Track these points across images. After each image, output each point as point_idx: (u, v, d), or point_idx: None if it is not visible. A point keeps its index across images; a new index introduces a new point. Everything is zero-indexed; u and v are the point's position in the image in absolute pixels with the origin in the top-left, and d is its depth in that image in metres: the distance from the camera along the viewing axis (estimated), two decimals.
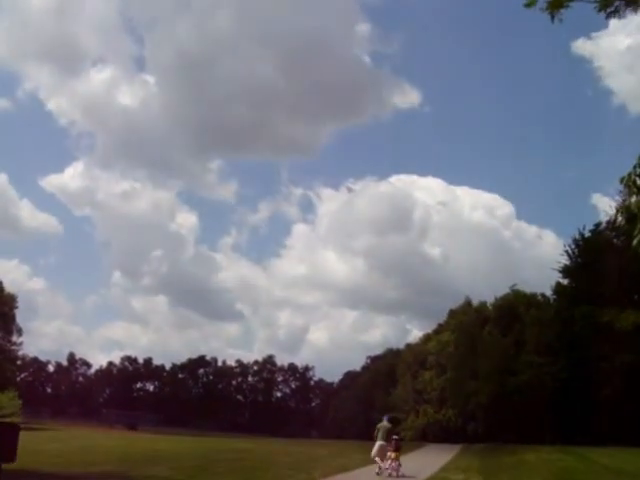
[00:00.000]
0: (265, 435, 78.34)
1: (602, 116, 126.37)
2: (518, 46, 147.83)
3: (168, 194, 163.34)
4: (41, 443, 26.30)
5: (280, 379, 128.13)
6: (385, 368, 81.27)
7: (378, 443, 20.28)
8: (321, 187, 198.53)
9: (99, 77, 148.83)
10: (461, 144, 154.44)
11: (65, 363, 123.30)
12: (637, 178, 7.36)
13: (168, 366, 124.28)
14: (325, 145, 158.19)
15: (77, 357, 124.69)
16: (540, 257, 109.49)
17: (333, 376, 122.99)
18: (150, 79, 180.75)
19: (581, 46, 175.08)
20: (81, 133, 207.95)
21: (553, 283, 50.05)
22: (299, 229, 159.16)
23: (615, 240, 41.49)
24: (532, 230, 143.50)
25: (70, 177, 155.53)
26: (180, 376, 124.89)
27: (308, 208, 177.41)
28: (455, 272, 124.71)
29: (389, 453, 20.10)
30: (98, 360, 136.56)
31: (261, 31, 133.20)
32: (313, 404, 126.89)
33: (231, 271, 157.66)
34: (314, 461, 23.81)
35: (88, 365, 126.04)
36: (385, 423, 21.11)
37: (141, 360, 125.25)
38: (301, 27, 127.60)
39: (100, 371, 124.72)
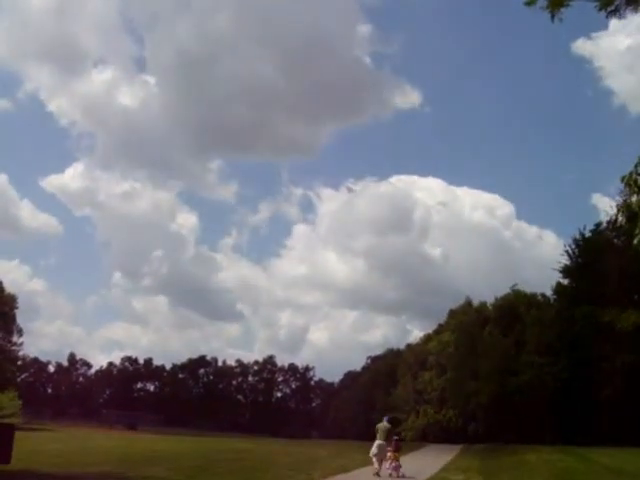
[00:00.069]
0: (265, 435, 78.40)
1: (602, 116, 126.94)
2: (518, 46, 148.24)
3: (168, 194, 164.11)
4: (41, 443, 26.37)
5: (280, 379, 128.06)
6: (385, 368, 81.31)
7: (377, 442, 20.28)
8: (321, 187, 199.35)
9: (99, 77, 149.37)
10: (461, 144, 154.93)
11: (65, 363, 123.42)
12: (638, 177, 7.34)
13: (168, 366, 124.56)
14: (325, 145, 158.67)
15: (77, 357, 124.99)
16: (540, 257, 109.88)
17: (333, 376, 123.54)
18: (150, 79, 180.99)
19: (581, 46, 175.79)
20: (81, 133, 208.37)
21: (553, 283, 50.17)
22: (299, 229, 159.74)
23: (615, 240, 41.49)
24: (532, 230, 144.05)
25: (70, 177, 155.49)
26: (180, 376, 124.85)
27: (308, 208, 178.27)
28: (455, 272, 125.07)
29: (389, 453, 20.08)
30: (98, 360, 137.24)
31: (261, 31, 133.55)
32: (313, 404, 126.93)
33: (231, 271, 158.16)
34: (314, 461, 23.85)
35: (88, 365, 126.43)
36: (385, 423, 21.12)
37: (141, 360, 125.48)
38: (301, 27, 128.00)
39: (100, 371, 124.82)
